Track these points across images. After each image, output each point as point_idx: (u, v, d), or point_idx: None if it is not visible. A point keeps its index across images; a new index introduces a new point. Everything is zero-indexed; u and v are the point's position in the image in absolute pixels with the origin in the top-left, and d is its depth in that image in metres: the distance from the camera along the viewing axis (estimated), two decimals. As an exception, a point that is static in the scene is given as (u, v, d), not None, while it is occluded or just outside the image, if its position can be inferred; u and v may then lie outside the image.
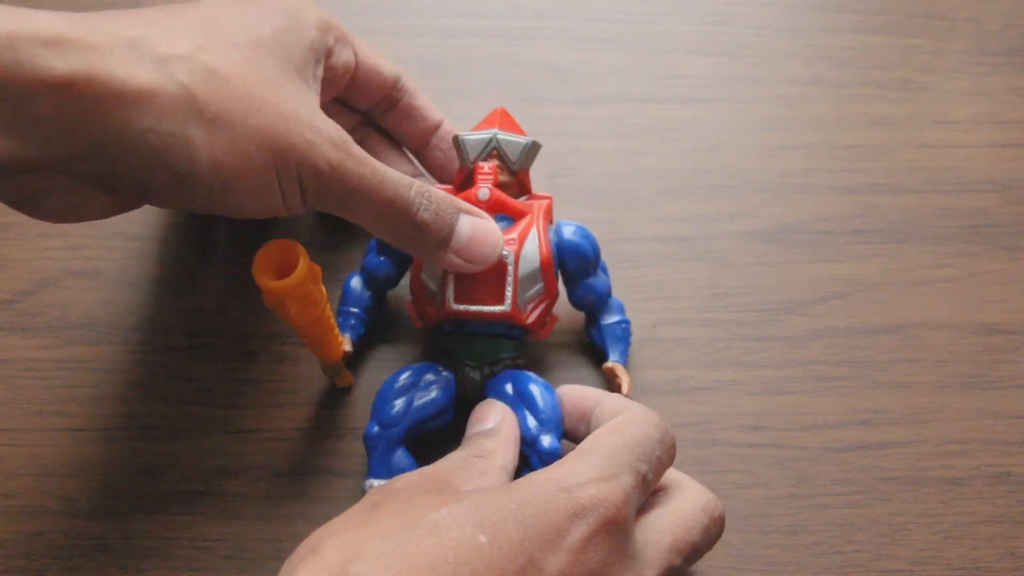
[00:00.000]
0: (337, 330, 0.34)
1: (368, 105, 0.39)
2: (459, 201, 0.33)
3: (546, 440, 0.33)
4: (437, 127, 0.40)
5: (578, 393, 0.35)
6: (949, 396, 0.42)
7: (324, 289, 0.31)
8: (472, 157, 0.36)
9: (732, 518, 0.39)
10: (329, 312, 0.32)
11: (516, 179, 0.37)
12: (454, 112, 0.46)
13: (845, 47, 0.48)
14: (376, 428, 0.34)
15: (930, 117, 0.47)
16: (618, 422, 0.30)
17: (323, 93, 0.35)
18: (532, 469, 0.33)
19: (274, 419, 0.39)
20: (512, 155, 0.36)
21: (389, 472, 0.34)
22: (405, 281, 0.39)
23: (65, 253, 0.41)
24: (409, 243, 0.33)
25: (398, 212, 0.31)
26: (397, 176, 0.31)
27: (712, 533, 0.31)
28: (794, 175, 0.46)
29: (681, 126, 0.46)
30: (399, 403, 0.34)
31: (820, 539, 0.39)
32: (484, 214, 0.34)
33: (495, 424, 0.33)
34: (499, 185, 0.36)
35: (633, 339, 0.42)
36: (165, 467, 0.38)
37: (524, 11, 0.48)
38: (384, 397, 0.35)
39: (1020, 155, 0.47)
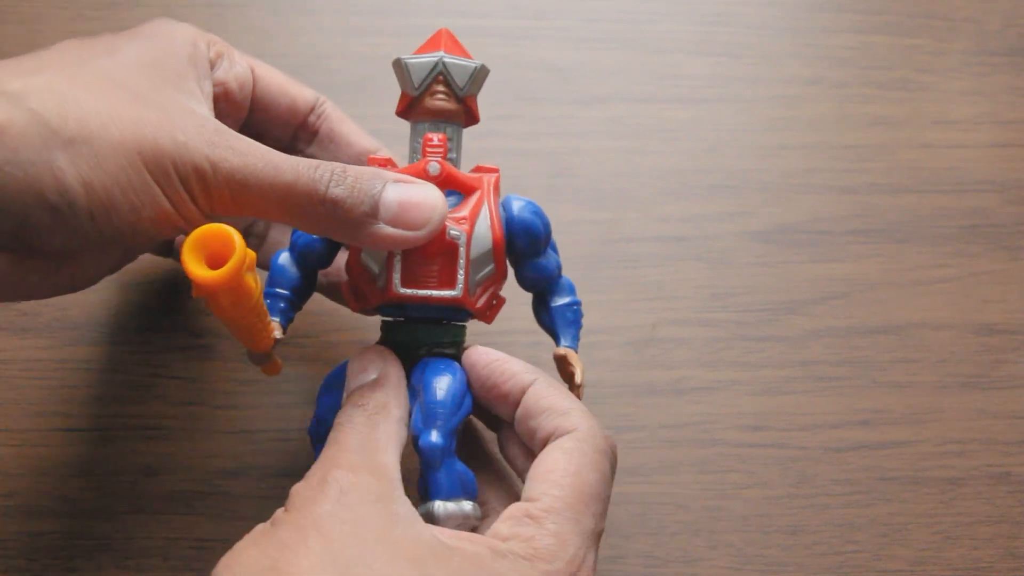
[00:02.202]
0: (268, 318, 0.32)
1: (286, 135, 0.37)
2: (386, 172, 0.31)
3: (430, 436, 0.30)
4: (373, 155, 0.37)
5: (490, 365, 0.32)
6: (949, 396, 0.42)
7: (258, 277, 0.29)
8: (416, 83, 0.33)
9: (732, 518, 0.39)
10: (261, 301, 0.30)
11: (464, 107, 0.34)
12: (454, 112, 0.46)
13: (845, 47, 0.48)
14: (313, 422, 0.32)
15: (930, 117, 0.47)
16: (577, 468, 0.29)
17: (224, 114, 0.34)
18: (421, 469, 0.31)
19: (274, 419, 0.39)
20: (460, 80, 0.33)
21: None
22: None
23: (65, 253, 0.41)
24: (330, 226, 0.30)
25: (304, 194, 0.29)
26: (297, 161, 0.29)
27: (604, 467, 0.30)
28: (794, 175, 0.46)
29: (681, 126, 0.46)
30: (336, 396, 0.32)
31: (820, 539, 0.39)
32: (418, 181, 0.31)
33: (379, 373, 0.31)
34: (446, 114, 0.33)
35: (633, 339, 0.42)
36: (165, 467, 0.38)
37: (524, 11, 0.48)
38: (323, 390, 0.33)
39: (1020, 155, 0.47)
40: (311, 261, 0.34)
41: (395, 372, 0.31)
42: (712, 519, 0.39)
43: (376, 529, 0.26)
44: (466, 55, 0.34)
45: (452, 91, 0.33)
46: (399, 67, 0.33)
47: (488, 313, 0.34)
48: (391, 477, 0.28)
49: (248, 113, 0.36)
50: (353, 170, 0.30)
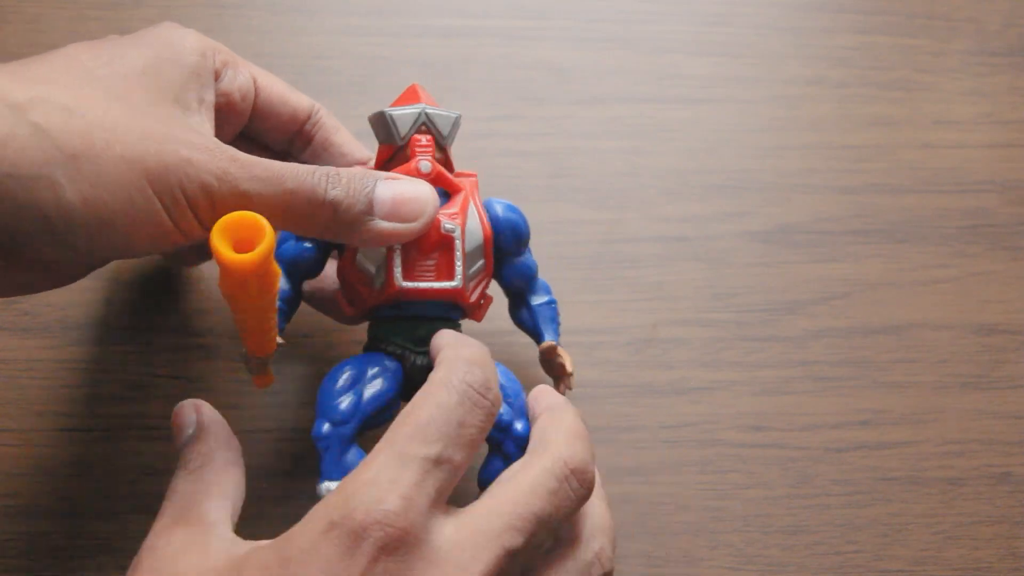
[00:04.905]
0: (276, 318, 0.32)
1: (282, 142, 0.38)
2: (376, 172, 0.32)
3: (519, 424, 0.32)
4: (364, 165, 0.38)
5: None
6: (949, 396, 0.42)
7: (277, 266, 0.29)
8: (403, 133, 0.34)
9: (732, 518, 0.39)
10: (276, 294, 0.30)
11: (445, 156, 0.35)
12: (454, 112, 0.46)
13: (845, 47, 0.48)
14: (327, 427, 0.32)
15: (930, 117, 0.47)
16: (411, 404, 0.28)
17: (225, 123, 0.34)
18: (504, 456, 0.31)
19: (274, 419, 0.39)
20: (443, 130, 0.34)
21: (344, 473, 0.32)
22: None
23: (65, 253, 0.41)
24: (332, 228, 0.31)
25: (305, 200, 0.29)
26: (296, 167, 0.30)
27: (564, 494, 0.28)
28: (794, 175, 0.46)
29: (681, 126, 0.46)
30: (347, 398, 0.32)
31: (820, 539, 0.39)
32: (406, 177, 0.32)
33: (195, 427, 0.31)
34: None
35: (633, 339, 0.42)
36: (165, 467, 0.38)
37: (524, 11, 0.48)
38: (329, 393, 0.32)
39: (1020, 155, 0.47)
40: (302, 270, 0.35)
41: (209, 418, 0.31)
42: (713, 519, 0.39)
43: (193, 567, 0.26)
44: (437, 106, 0.35)
45: (436, 141, 0.34)
46: (382, 119, 0.34)
47: (479, 311, 0.35)
48: (207, 521, 0.28)
49: (248, 121, 0.36)
50: (344, 171, 0.31)
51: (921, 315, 0.43)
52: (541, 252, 0.43)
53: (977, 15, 0.49)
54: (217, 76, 0.33)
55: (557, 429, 0.30)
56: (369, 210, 0.31)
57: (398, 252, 0.32)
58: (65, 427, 0.39)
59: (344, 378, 0.33)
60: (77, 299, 0.41)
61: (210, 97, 0.33)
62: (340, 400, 0.32)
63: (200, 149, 0.28)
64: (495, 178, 0.44)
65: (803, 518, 0.39)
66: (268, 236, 0.26)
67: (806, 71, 0.48)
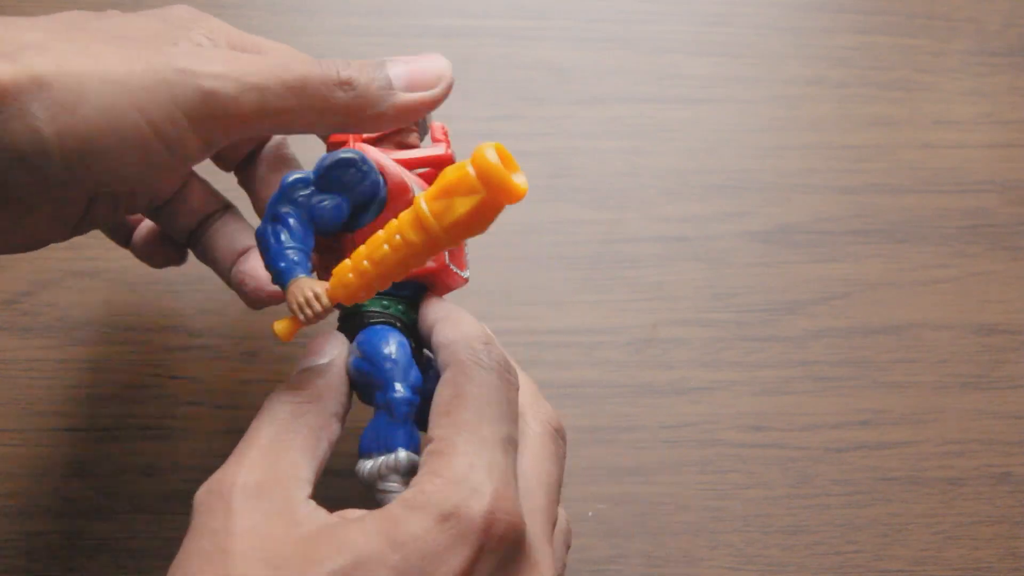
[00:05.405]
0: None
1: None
2: (380, 58, 0.30)
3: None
4: None
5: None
6: (949, 396, 0.42)
7: None
8: None
9: (732, 518, 0.39)
10: None
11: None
12: (454, 112, 0.46)
13: (845, 47, 0.48)
14: (409, 392, 0.29)
15: (930, 117, 0.47)
16: (454, 386, 0.27)
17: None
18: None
19: (274, 419, 0.39)
20: (422, 128, 0.34)
21: (414, 444, 0.29)
22: None
23: (66, 253, 0.41)
24: (353, 112, 0.29)
25: (319, 82, 0.28)
26: (297, 54, 0.29)
27: (561, 453, 0.28)
28: (794, 175, 0.46)
29: (681, 126, 0.46)
30: (414, 367, 0.30)
31: (820, 539, 0.39)
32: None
33: (330, 358, 0.29)
34: (413, 147, 0.33)
35: (633, 339, 0.42)
36: (165, 467, 0.38)
37: (524, 11, 0.48)
38: (394, 361, 0.29)
39: (1020, 155, 0.47)
40: (328, 229, 0.31)
41: (343, 362, 0.30)
42: (713, 519, 0.39)
43: (278, 537, 0.25)
44: None
45: (419, 127, 0.34)
46: None
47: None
48: (298, 479, 0.26)
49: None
50: (351, 60, 0.29)
51: (921, 315, 0.43)
52: (541, 252, 0.43)
53: (977, 15, 0.49)
54: None
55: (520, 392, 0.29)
56: (388, 85, 0.29)
57: None
58: (65, 427, 0.39)
59: (402, 349, 0.30)
60: (77, 299, 0.41)
61: None
62: (411, 370, 0.30)
63: (196, 59, 0.27)
64: (495, 178, 0.44)
65: (803, 518, 0.39)
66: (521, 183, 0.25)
67: (806, 71, 0.48)
